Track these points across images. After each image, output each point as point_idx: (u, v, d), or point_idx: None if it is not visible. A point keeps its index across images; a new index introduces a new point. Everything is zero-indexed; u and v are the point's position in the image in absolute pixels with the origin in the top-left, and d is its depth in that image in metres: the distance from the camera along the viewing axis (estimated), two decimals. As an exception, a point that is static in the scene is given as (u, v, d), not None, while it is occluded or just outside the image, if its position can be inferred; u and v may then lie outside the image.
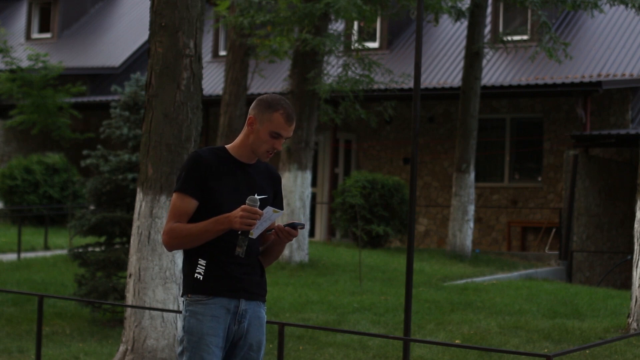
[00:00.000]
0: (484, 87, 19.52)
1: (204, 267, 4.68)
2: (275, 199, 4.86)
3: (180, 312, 7.92)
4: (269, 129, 4.71)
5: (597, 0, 17.21)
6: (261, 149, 4.74)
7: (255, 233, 4.64)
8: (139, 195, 9.26)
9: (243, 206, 4.56)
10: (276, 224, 4.75)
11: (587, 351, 9.72)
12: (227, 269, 4.68)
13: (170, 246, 4.71)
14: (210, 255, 4.68)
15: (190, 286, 4.70)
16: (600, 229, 20.52)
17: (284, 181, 16.10)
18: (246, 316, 4.73)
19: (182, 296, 4.78)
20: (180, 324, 4.78)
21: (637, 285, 10.34)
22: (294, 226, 4.67)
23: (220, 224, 4.58)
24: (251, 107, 4.78)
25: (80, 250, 12.03)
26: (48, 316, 11.78)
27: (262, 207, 4.66)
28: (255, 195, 4.68)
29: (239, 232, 4.61)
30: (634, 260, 10.43)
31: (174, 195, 4.73)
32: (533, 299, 13.25)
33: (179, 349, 4.73)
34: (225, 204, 4.67)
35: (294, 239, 15.91)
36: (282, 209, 4.86)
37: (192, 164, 4.71)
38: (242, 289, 4.71)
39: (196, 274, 4.69)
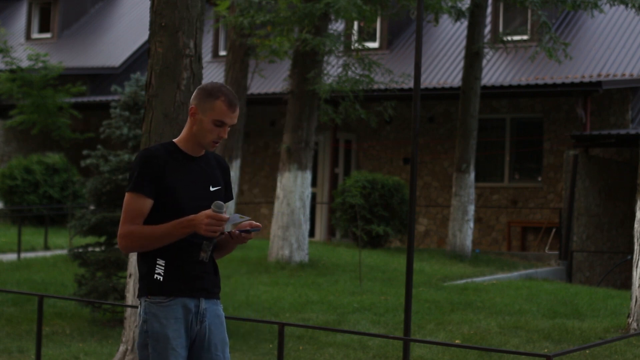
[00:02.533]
0: (484, 87, 19.52)
1: (163, 268, 4.57)
2: (226, 190, 4.78)
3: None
4: (212, 118, 4.59)
5: (597, 0, 17.21)
6: (207, 139, 4.62)
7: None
8: (139, 195, 9.25)
9: (209, 212, 4.46)
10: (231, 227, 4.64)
11: (587, 351, 9.72)
12: (186, 269, 4.59)
13: (127, 249, 4.59)
14: (168, 255, 4.57)
15: (150, 287, 4.59)
16: (600, 229, 20.52)
17: (284, 181, 16.11)
18: (206, 315, 4.64)
19: (139, 297, 4.65)
20: (140, 326, 4.63)
21: (637, 285, 10.34)
22: (249, 231, 4.57)
23: (184, 227, 4.48)
24: (192, 97, 4.67)
25: (80, 250, 12.03)
26: (48, 316, 11.78)
27: (216, 197, 4.61)
28: (211, 188, 4.62)
29: (205, 238, 4.54)
30: (634, 260, 10.43)
31: (127, 195, 4.58)
32: (533, 299, 13.25)
33: (141, 353, 4.60)
34: (181, 199, 4.58)
35: (294, 239, 15.98)
36: (232, 198, 4.81)
37: (143, 162, 4.57)
38: (202, 288, 4.63)
39: (155, 275, 4.57)
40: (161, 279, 4.57)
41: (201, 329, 4.63)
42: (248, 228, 4.58)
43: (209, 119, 4.60)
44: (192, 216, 4.49)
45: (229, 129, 4.65)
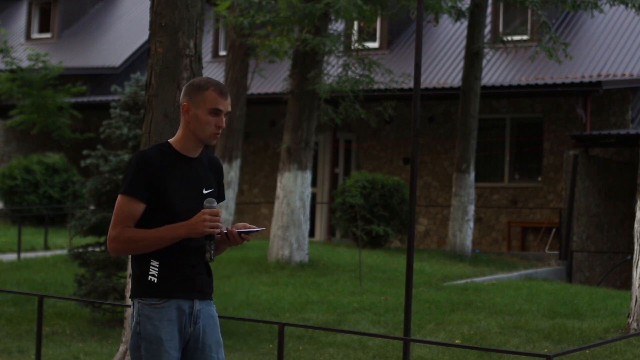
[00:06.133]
0: (484, 87, 19.51)
1: (157, 269, 4.56)
2: (219, 190, 4.78)
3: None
4: (206, 108, 4.59)
5: (597, 0, 17.21)
6: (206, 132, 4.61)
7: None
8: (139, 195, 9.25)
9: (205, 210, 4.48)
10: (230, 227, 4.64)
11: (587, 351, 9.72)
12: (180, 270, 4.58)
13: (118, 252, 4.57)
14: (162, 257, 4.56)
15: (143, 289, 4.57)
16: (600, 229, 20.52)
17: (284, 181, 16.10)
18: (200, 316, 4.64)
19: (132, 298, 4.64)
20: (132, 328, 4.64)
21: (637, 285, 10.34)
22: (248, 232, 4.59)
23: (175, 231, 4.49)
24: (181, 96, 4.67)
25: (80, 250, 12.04)
26: (48, 316, 11.78)
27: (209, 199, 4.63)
28: (204, 191, 4.62)
29: (206, 237, 4.56)
30: (634, 260, 10.43)
31: (120, 198, 4.57)
32: (533, 299, 13.25)
33: (134, 354, 4.59)
34: (174, 201, 4.57)
35: (294, 239, 15.97)
36: (224, 198, 4.81)
37: (137, 165, 4.56)
38: (196, 289, 4.62)
39: (150, 276, 4.55)
40: (155, 280, 4.56)
41: (195, 331, 4.63)
42: (245, 229, 4.59)
43: (203, 111, 4.60)
44: (186, 221, 4.49)
45: (225, 117, 4.65)
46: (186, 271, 4.59)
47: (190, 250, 4.60)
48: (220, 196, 4.78)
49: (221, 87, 4.65)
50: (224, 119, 4.64)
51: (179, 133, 4.68)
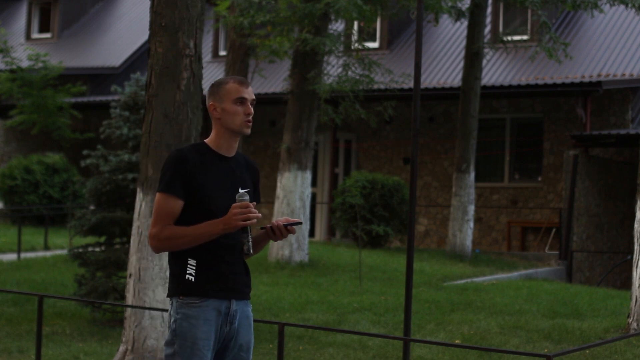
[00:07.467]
0: (484, 87, 19.51)
1: (194, 268, 4.62)
2: (255, 192, 4.85)
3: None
4: (231, 99, 4.70)
5: (597, 0, 17.21)
6: (237, 122, 4.71)
7: None
8: (139, 195, 9.27)
9: (236, 204, 4.54)
10: (274, 221, 4.71)
11: (587, 351, 9.72)
12: (217, 269, 4.64)
13: (159, 249, 4.64)
14: (200, 255, 4.62)
15: (182, 288, 4.63)
16: (600, 229, 20.52)
17: (284, 181, 16.11)
18: (236, 317, 4.69)
19: (170, 297, 4.69)
20: (170, 325, 4.71)
21: (637, 285, 10.34)
22: (291, 225, 4.65)
23: (214, 227, 4.55)
24: (206, 99, 4.80)
25: (80, 250, 12.03)
26: (48, 316, 11.78)
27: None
28: (240, 190, 4.66)
29: (241, 230, 4.61)
30: (634, 260, 10.43)
31: (159, 196, 4.64)
32: (533, 299, 13.25)
33: (167, 351, 4.65)
34: (212, 200, 4.63)
35: (294, 239, 15.98)
36: (259, 200, 4.87)
37: (175, 163, 4.63)
38: (232, 288, 4.67)
39: (187, 275, 4.62)
40: (193, 280, 4.62)
41: (230, 330, 4.69)
42: (289, 222, 4.65)
43: (228, 103, 4.72)
44: (222, 217, 4.56)
45: (252, 106, 4.74)
46: (222, 268, 4.64)
47: (225, 247, 4.65)
48: (255, 197, 4.84)
49: (240, 78, 4.77)
50: (251, 107, 4.74)
51: (212, 133, 4.78)
